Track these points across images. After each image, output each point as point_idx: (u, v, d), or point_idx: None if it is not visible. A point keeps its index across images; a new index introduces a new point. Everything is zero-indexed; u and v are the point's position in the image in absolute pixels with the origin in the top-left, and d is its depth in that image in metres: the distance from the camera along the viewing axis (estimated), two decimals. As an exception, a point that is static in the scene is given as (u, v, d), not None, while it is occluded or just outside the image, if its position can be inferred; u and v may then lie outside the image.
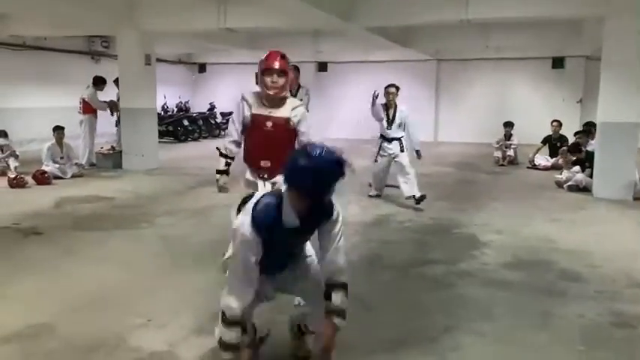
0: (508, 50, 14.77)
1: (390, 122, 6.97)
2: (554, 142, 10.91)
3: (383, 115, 6.99)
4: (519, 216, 6.61)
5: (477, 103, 16.13)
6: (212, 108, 17.81)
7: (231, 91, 18.61)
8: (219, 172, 3.95)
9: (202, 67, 18.97)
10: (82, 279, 4.33)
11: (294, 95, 8.63)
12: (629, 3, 7.13)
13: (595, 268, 4.60)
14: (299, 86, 8.74)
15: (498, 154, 11.31)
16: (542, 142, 11.16)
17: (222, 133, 17.74)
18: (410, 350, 3.17)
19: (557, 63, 15.36)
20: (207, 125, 17.09)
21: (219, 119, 17.81)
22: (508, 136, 11.48)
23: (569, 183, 8.22)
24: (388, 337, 3.32)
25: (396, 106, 7.02)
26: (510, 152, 11.24)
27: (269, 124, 3.68)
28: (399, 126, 6.98)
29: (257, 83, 3.70)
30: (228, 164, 3.93)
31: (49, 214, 6.63)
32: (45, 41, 12.72)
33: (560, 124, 11.03)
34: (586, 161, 8.29)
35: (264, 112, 3.69)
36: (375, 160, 7.25)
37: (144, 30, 9.69)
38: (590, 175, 8.07)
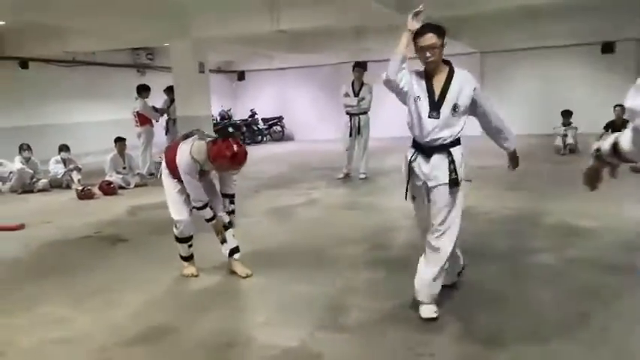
0: (554, 38, 14.42)
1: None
2: (618, 128, 10.53)
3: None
4: (607, 201, 6.32)
5: (525, 93, 15.80)
6: (253, 115, 17.90)
7: (270, 97, 18.81)
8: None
9: (242, 75, 19.05)
10: (185, 282, 4.28)
11: (357, 93, 8.62)
12: None
13: None
14: (362, 84, 8.73)
15: (559, 142, 11.01)
16: (604, 128, 10.78)
17: (265, 139, 17.87)
18: (560, 338, 3.00)
19: (607, 48, 14.90)
20: (249, 132, 17.24)
21: (261, 125, 17.91)
22: (567, 124, 11.14)
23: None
24: (530, 329, 3.15)
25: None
26: (570, 140, 10.90)
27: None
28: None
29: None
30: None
31: (127, 221, 6.66)
32: (93, 56, 12.93)
33: (623, 109, 10.63)
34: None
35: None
36: None
37: (197, 37, 9.73)
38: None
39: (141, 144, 10.41)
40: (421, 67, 3.29)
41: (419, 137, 3.29)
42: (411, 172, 3.35)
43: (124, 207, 7.44)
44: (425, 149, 3.28)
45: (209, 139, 4.10)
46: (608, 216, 5.61)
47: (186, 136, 4.33)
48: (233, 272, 4.32)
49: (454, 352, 2.94)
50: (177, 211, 4.24)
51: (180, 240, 4.37)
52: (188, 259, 4.44)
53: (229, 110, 17.94)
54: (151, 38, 10.70)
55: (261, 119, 18.04)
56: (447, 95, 3.22)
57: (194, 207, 4.14)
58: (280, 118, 18.29)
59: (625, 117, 10.29)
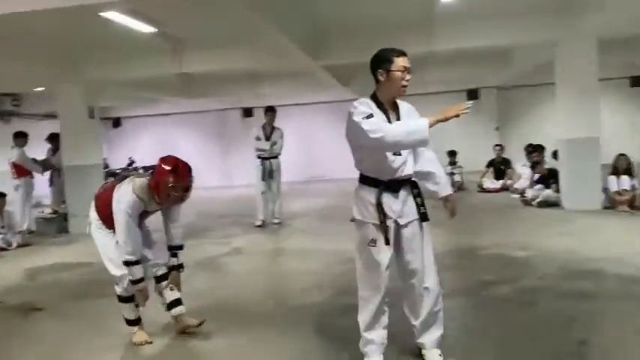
0: (431, 85, 15.58)
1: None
2: (497, 165, 11.55)
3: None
4: (521, 234, 6.82)
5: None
6: (131, 163, 16.81)
7: (151, 144, 17.88)
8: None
9: (117, 122, 17.95)
10: (138, 352, 3.73)
11: (269, 137, 8.45)
12: (580, 29, 7.78)
13: (641, 269, 4.81)
14: (273, 128, 8.58)
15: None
16: (486, 166, 11.76)
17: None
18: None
19: (472, 95, 16.45)
20: (130, 181, 16.15)
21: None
22: (453, 164, 11.95)
23: (539, 199, 8.68)
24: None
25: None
26: (458, 178, 11.68)
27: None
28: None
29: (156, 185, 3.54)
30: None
31: (30, 287, 5.76)
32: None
33: (502, 148, 11.72)
34: (550, 178, 8.83)
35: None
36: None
37: (87, 81, 8.98)
38: (556, 190, 8.61)
39: (19, 197, 9.19)
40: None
41: (384, 175, 3.03)
42: (379, 212, 3.01)
43: (18, 271, 6.42)
44: (391, 186, 3.05)
45: (149, 177, 3.64)
46: (534, 247, 5.95)
47: (120, 180, 3.84)
48: (183, 332, 3.87)
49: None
50: (119, 266, 3.67)
51: (126, 299, 3.79)
52: (136, 322, 3.87)
53: (105, 159, 16.71)
54: (34, 83, 9.67)
55: (142, 167, 16.99)
56: None
57: (125, 262, 3.58)
58: (162, 167, 17.41)
59: (504, 156, 11.40)
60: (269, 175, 8.50)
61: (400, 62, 3.01)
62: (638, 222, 7.17)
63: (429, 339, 3.18)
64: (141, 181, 3.61)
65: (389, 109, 3.09)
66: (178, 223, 3.88)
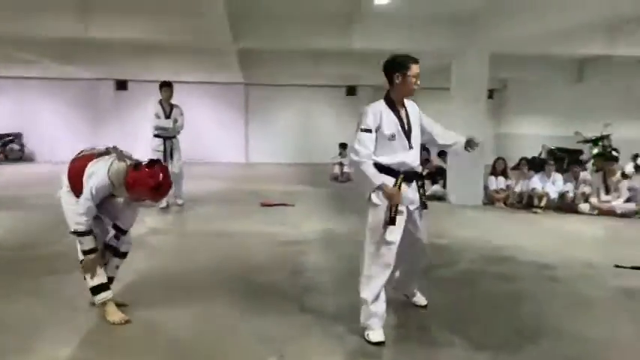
0: (310, 78, 16.07)
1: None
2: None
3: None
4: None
5: (285, 126, 17.05)
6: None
7: (5, 110, 15.92)
8: None
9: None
10: (118, 332, 3.55)
11: (168, 115, 8.05)
12: (477, 43, 8.73)
13: (546, 256, 5.66)
14: (171, 105, 8.16)
15: (337, 170, 12.29)
16: (372, 160, 12.51)
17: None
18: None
19: (350, 91, 17.31)
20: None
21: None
22: (343, 156, 12.53)
23: (428, 193, 9.50)
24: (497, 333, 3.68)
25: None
26: (347, 169, 12.29)
27: None
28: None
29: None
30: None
31: None
32: None
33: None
34: (437, 175, 9.77)
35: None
36: None
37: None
38: (443, 186, 9.57)
39: None
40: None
41: (400, 166, 3.48)
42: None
43: None
44: (407, 176, 3.52)
45: (129, 161, 3.58)
46: (447, 236, 6.60)
47: (100, 153, 3.68)
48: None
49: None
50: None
51: (90, 251, 3.57)
52: (104, 287, 3.63)
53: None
54: None
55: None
56: (413, 127, 3.58)
57: (73, 231, 3.55)
58: (19, 135, 15.67)
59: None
60: (170, 155, 8.06)
61: (414, 69, 3.46)
62: (515, 216, 8.30)
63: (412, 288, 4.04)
64: (118, 167, 3.51)
65: (399, 107, 3.56)
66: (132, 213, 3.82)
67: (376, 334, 3.42)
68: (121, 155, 3.63)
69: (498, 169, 9.38)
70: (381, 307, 3.47)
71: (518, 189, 9.09)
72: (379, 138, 3.44)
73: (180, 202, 8.32)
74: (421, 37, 8.95)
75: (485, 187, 9.26)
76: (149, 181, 3.42)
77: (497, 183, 9.26)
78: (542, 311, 4.06)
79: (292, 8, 8.19)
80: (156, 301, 4.06)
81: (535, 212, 8.47)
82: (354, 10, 8.31)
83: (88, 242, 3.55)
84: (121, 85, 16.32)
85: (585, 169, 9.39)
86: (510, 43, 8.88)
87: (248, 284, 4.58)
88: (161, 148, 7.94)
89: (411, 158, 3.53)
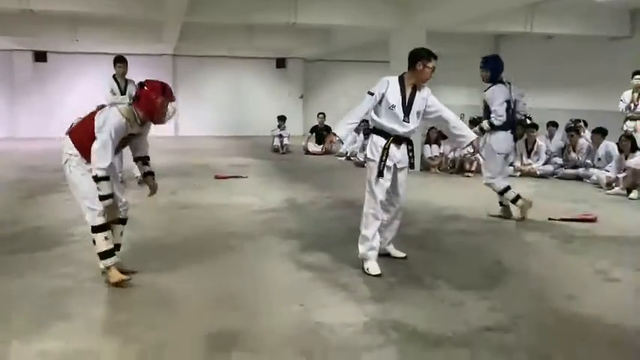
0: (239, 50, 16.13)
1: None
2: (320, 131, 12.92)
3: None
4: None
5: (215, 98, 17.05)
6: None
7: None
8: None
9: None
10: (130, 293, 3.87)
11: (124, 91, 7.95)
12: (414, 21, 9.41)
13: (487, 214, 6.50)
14: (126, 80, 8.05)
15: (277, 142, 12.69)
16: (310, 132, 13.05)
17: None
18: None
19: (280, 63, 17.58)
20: None
21: None
22: (282, 128, 12.92)
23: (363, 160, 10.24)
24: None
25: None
26: (286, 141, 12.72)
27: None
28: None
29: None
30: None
31: None
32: None
33: (324, 116, 13.09)
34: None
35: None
36: None
37: None
38: (383, 154, 10.30)
39: None
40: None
41: (391, 132, 4.26)
42: (385, 155, 4.24)
43: None
44: (396, 140, 4.29)
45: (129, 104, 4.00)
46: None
47: (99, 108, 4.12)
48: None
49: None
50: (95, 203, 3.83)
51: (99, 228, 3.84)
52: (112, 252, 3.92)
53: None
54: None
55: None
56: (414, 106, 4.30)
57: (95, 176, 3.76)
58: None
59: (326, 123, 12.78)
60: None
61: (433, 63, 4.27)
62: (450, 180, 9.20)
63: (391, 245, 4.72)
64: (125, 107, 3.93)
65: (408, 87, 4.30)
66: (146, 143, 4.28)
67: (375, 267, 4.25)
68: (119, 103, 4.13)
69: (432, 137, 10.24)
70: (377, 242, 4.33)
71: (450, 156, 10.00)
72: (384, 104, 4.23)
73: (138, 174, 8.23)
74: (361, 13, 9.50)
75: (421, 155, 10.09)
76: (157, 85, 3.91)
77: (432, 150, 10.13)
78: (501, 258, 4.82)
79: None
80: (163, 267, 4.35)
81: (467, 176, 9.43)
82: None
83: (106, 188, 3.79)
84: (40, 56, 15.52)
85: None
86: (442, 22, 9.64)
87: (242, 250, 4.98)
88: None
89: (404, 129, 4.27)
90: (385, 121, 4.25)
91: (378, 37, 10.69)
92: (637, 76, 8.50)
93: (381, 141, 4.26)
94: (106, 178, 3.77)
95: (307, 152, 12.55)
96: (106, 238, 3.87)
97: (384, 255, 4.67)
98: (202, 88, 16.99)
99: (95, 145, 3.73)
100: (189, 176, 8.95)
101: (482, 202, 7.13)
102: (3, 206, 6.62)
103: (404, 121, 4.26)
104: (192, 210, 6.57)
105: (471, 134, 4.54)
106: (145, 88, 3.90)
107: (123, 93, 7.91)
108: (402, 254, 4.72)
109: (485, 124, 6.16)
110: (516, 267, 4.58)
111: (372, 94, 4.25)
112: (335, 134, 4.36)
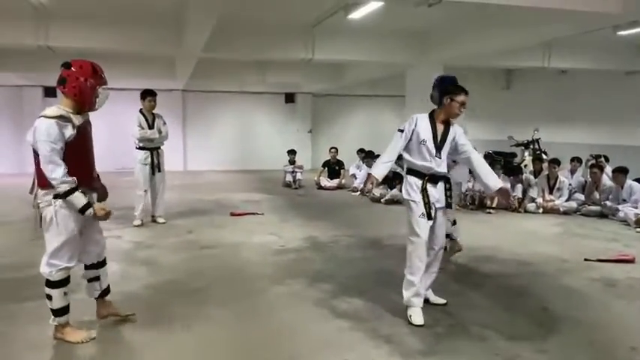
0: (249, 85, 16.12)
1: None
2: (332, 166, 12.75)
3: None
4: (398, 226, 7.90)
5: (223, 133, 16.97)
6: None
7: None
8: None
9: None
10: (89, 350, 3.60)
11: (152, 125, 7.65)
12: (431, 57, 9.35)
13: (520, 254, 6.25)
14: (154, 115, 7.69)
15: (290, 178, 12.48)
16: (322, 166, 12.88)
17: None
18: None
19: (289, 98, 17.54)
20: None
21: None
22: (293, 162, 12.74)
23: (387, 197, 10.05)
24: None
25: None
26: (299, 176, 12.52)
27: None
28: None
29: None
30: None
31: None
32: None
33: (336, 150, 12.93)
34: (394, 180, 10.28)
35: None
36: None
37: None
38: (400, 190, 10.08)
39: None
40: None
41: (425, 170, 4.09)
42: (426, 196, 4.06)
43: None
44: (432, 179, 4.12)
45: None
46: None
47: None
48: (107, 316, 3.86)
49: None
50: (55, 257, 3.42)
51: (55, 284, 3.43)
52: (65, 310, 3.52)
53: None
54: None
55: None
56: (446, 142, 4.14)
57: (57, 194, 3.32)
58: None
59: (339, 158, 12.62)
60: (158, 168, 7.67)
61: (462, 98, 4.10)
62: (472, 217, 8.95)
63: (430, 290, 4.42)
64: (49, 108, 3.39)
65: (438, 122, 4.16)
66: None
67: (418, 317, 4.00)
68: None
69: (451, 173, 10.03)
70: (423, 289, 4.11)
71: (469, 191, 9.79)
72: (414, 140, 4.08)
73: (161, 220, 7.88)
74: (378, 49, 9.44)
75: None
76: (84, 64, 3.41)
77: (451, 186, 9.90)
78: (548, 304, 4.55)
79: (262, 20, 8.35)
80: (188, 314, 4.10)
81: (489, 212, 9.19)
82: (316, 23, 8.58)
83: (80, 198, 3.35)
84: (50, 92, 15.47)
85: (525, 172, 10.25)
86: (459, 58, 9.57)
87: (270, 294, 4.71)
88: (148, 160, 7.58)
89: (437, 165, 4.08)
90: (418, 159, 4.09)
91: (391, 72, 10.63)
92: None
93: (416, 181, 4.10)
94: (72, 190, 3.31)
95: (320, 187, 12.34)
96: (65, 294, 3.49)
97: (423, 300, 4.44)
98: (211, 123, 16.93)
99: (42, 163, 3.28)
100: (204, 214, 8.72)
101: (511, 241, 6.90)
102: (11, 248, 6.33)
103: (436, 156, 4.08)
104: (212, 250, 6.32)
105: (494, 184, 4.19)
106: (72, 68, 3.39)
107: (151, 127, 7.64)
108: (443, 300, 4.46)
109: None
110: (565, 313, 4.30)
111: (401, 130, 4.13)
112: (371, 174, 4.18)
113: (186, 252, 6.22)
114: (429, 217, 4.04)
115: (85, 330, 3.65)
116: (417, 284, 4.07)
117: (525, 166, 11.08)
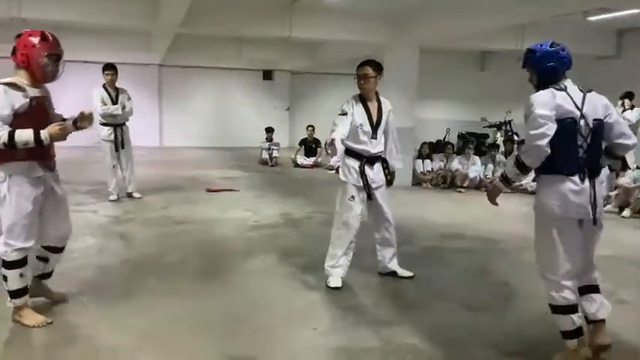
0: (226, 61, 15.98)
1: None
2: (309, 144, 12.85)
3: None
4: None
5: (200, 109, 16.85)
6: None
7: None
8: None
9: None
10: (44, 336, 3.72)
11: (115, 101, 7.64)
12: (407, 37, 9.45)
13: (487, 232, 6.49)
14: (117, 89, 7.69)
15: (266, 155, 12.56)
16: (299, 144, 12.96)
17: None
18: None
19: (267, 75, 17.48)
20: None
21: None
22: (270, 140, 12.80)
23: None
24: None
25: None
26: (276, 154, 12.60)
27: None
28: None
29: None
30: None
31: None
32: None
33: (314, 128, 13.02)
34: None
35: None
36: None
37: None
38: (375, 169, 10.28)
39: None
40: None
41: (363, 152, 4.26)
42: (364, 178, 4.26)
43: None
44: (370, 160, 4.30)
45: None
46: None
47: None
48: (36, 295, 3.69)
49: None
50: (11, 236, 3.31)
51: (12, 264, 3.32)
52: (21, 292, 3.41)
53: None
54: None
55: None
56: (382, 122, 4.31)
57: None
58: None
59: (315, 136, 12.71)
60: (122, 145, 7.65)
61: (360, 71, 4.25)
62: (443, 195, 9.20)
63: (395, 262, 4.64)
64: (4, 79, 3.27)
65: (370, 106, 4.30)
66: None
67: (335, 281, 4.31)
68: None
69: (424, 152, 10.24)
70: (343, 261, 4.38)
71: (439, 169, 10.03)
72: (352, 125, 4.17)
73: (137, 195, 7.91)
74: (356, 29, 9.49)
75: (413, 170, 10.08)
76: (34, 32, 3.32)
77: (424, 165, 10.13)
78: (507, 278, 4.79)
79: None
80: (163, 288, 4.23)
81: (460, 191, 9.44)
82: (294, 1, 8.59)
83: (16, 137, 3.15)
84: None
85: (498, 152, 10.51)
86: (434, 39, 9.70)
87: (244, 269, 4.86)
88: (112, 136, 7.56)
89: (373, 147, 4.26)
90: (355, 142, 4.24)
91: (368, 52, 10.66)
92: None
93: (353, 164, 4.27)
94: (11, 133, 3.13)
95: (296, 165, 12.45)
96: (21, 275, 3.37)
97: (389, 274, 4.63)
98: (188, 99, 16.78)
99: None
100: (180, 190, 8.78)
101: (480, 219, 7.13)
102: None
103: (372, 138, 4.24)
104: (187, 225, 6.41)
105: (394, 165, 4.52)
106: (22, 37, 3.31)
107: (114, 102, 7.56)
108: (410, 273, 4.66)
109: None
110: (523, 287, 4.52)
111: (345, 114, 4.19)
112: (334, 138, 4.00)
113: (162, 227, 6.31)
114: (369, 198, 4.31)
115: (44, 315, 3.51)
116: (337, 257, 4.35)
117: (497, 147, 11.32)
